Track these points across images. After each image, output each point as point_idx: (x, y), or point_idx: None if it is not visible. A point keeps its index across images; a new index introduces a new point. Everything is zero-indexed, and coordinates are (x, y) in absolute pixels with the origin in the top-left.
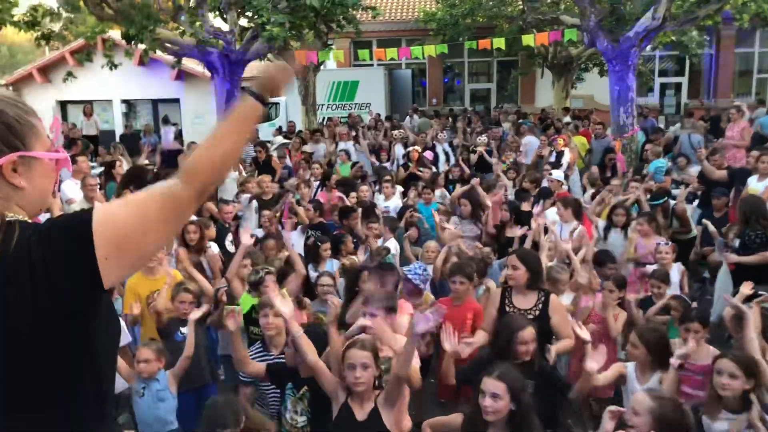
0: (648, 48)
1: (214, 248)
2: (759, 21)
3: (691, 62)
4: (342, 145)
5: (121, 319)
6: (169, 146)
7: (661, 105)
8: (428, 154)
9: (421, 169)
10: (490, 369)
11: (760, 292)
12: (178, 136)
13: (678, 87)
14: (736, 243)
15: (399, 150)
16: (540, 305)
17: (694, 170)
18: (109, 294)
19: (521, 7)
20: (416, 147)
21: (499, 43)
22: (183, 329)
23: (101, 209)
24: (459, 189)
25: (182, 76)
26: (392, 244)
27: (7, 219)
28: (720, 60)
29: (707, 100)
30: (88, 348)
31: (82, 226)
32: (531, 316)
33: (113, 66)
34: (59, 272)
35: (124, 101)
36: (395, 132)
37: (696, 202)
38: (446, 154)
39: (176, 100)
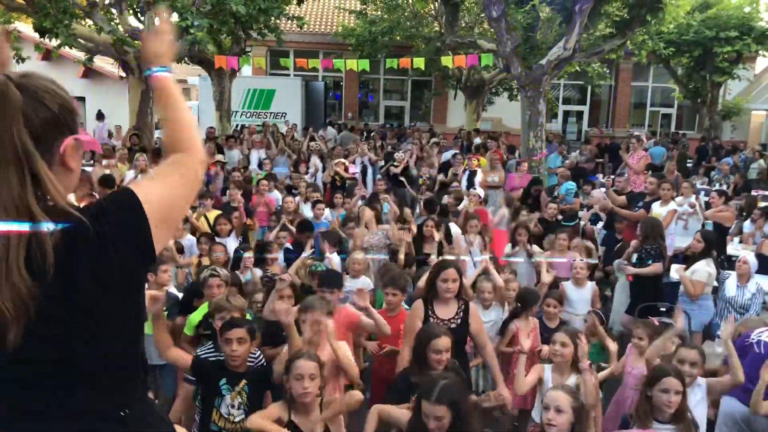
0: (556, 76)
1: None
2: (654, 57)
3: (592, 92)
4: (255, 153)
5: None
6: (104, 142)
7: (564, 131)
8: (353, 168)
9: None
10: (428, 392)
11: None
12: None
13: (580, 115)
14: (634, 258)
15: (316, 161)
16: (461, 314)
17: (596, 192)
18: None
19: (438, 29)
20: (342, 160)
21: (419, 63)
22: None
23: (139, 188)
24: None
25: (89, 74)
26: (335, 259)
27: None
28: (618, 92)
29: (606, 128)
30: (139, 320)
31: (134, 201)
32: (453, 325)
33: (21, 59)
34: (126, 245)
35: None
36: (312, 143)
37: (600, 224)
38: (364, 166)
39: (81, 99)
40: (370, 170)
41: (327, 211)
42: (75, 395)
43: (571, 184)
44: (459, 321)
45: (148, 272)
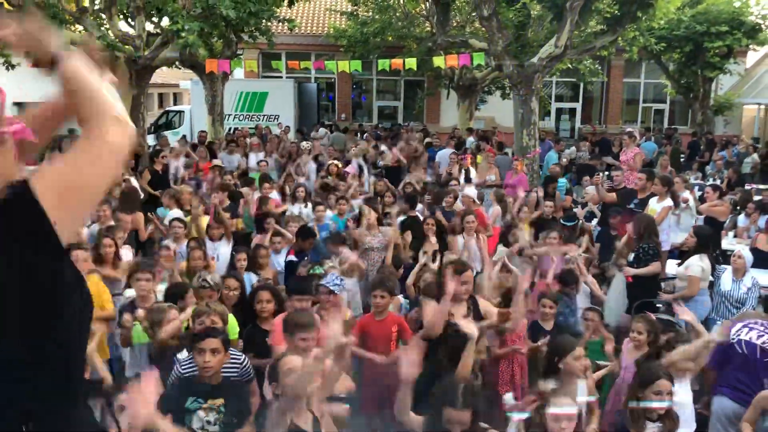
0: (548, 74)
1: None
2: (645, 53)
3: (585, 89)
4: (253, 157)
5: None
6: None
7: (557, 128)
8: (351, 169)
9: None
10: (452, 398)
11: (657, 305)
12: None
13: (572, 112)
14: (631, 257)
15: (310, 164)
16: (471, 309)
17: (590, 189)
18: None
19: (429, 29)
20: (335, 161)
21: (411, 63)
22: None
23: (36, 175)
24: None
25: None
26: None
27: None
28: (610, 88)
29: (599, 125)
30: (54, 323)
31: (27, 197)
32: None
33: (11, 66)
34: (22, 243)
35: (16, 103)
36: (303, 144)
37: (595, 220)
38: (360, 167)
39: None
40: (365, 169)
41: (328, 212)
42: None
43: (561, 181)
44: (471, 317)
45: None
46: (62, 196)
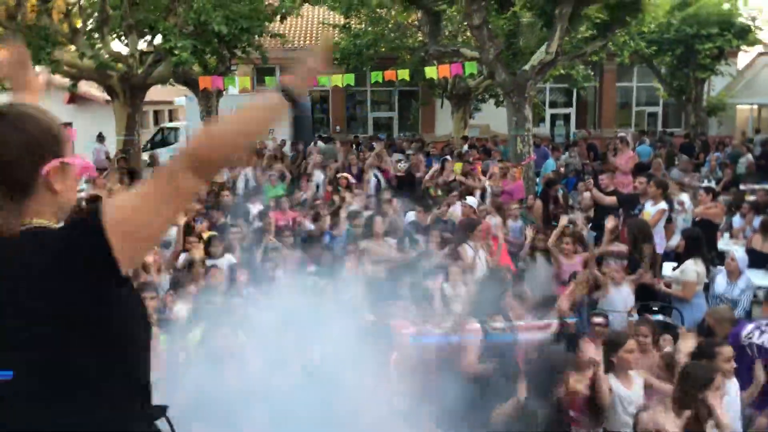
0: (540, 81)
1: None
2: (637, 57)
3: (578, 95)
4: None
5: None
6: (101, 165)
7: (552, 134)
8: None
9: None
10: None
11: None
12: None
13: (567, 118)
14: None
15: (319, 175)
16: None
17: (587, 195)
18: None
19: (421, 39)
20: (345, 174)
21: (404, 74)
22: None
23: (109, 205)
24: None
25: (75, 99)
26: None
27: (34, 225)
28: (603, 93)
29: (593, 130)
30: (115, 339)
31: (95, 222)
32: None
33: (5, 88)
34: (79, 267)
35: None
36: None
37: (589, 225)
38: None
39: (68, 124)
40: (381, 180)
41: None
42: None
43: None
44: None
45: (118, 291)
46: (127, 232)
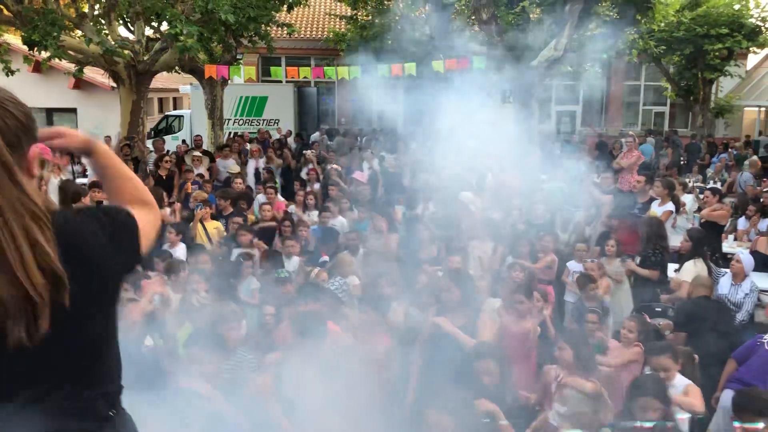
0: (547, 78)
1: None
2: (645, 56)
3: (585, 92)
4: (252, 163)
5: None
6: None
7: (558, 131)
8: (359, 175)
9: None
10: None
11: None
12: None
13: (573, 115)
14: (638, 260)
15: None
16: None
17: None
18: None
19: (428, 32)
20: (335, 166)
21: (411, 68)
22: None
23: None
24: None
25: (80, 85)
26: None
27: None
28: (611, 91)
29: (599, 127)
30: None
31: (133, 219)
32: None
33: (10, 72)
34: (126, 247)
35: None
36: (307, 153)
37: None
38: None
39: (73, 110)
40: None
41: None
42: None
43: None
44: None
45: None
46: (144, 235)
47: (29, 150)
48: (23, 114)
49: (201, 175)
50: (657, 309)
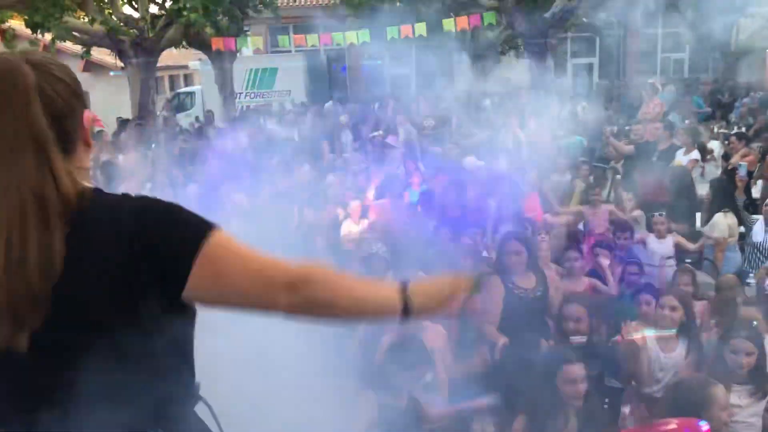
0: (561, 30)
1: None
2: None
3: (601, 43)
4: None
5: None
6: None
7: (575, 85)
8: (392, 139)
9: None
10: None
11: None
12: None
13: (590, 67)
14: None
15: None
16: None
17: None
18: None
19: None
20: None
21: (421, 28)
22: None
23: (224, 233)
24: None
25: (90, 67)
26: None
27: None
28: (627, 41)
29: (617, 79)
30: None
31: (201, 229)
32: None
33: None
34: (166, 258)
35: None
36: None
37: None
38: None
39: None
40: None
41: None
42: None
43: (579, 138)
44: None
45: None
46: (219, 272)
47: (82, 116)
48: (70, 77)
49: None
50: (687, 261)
